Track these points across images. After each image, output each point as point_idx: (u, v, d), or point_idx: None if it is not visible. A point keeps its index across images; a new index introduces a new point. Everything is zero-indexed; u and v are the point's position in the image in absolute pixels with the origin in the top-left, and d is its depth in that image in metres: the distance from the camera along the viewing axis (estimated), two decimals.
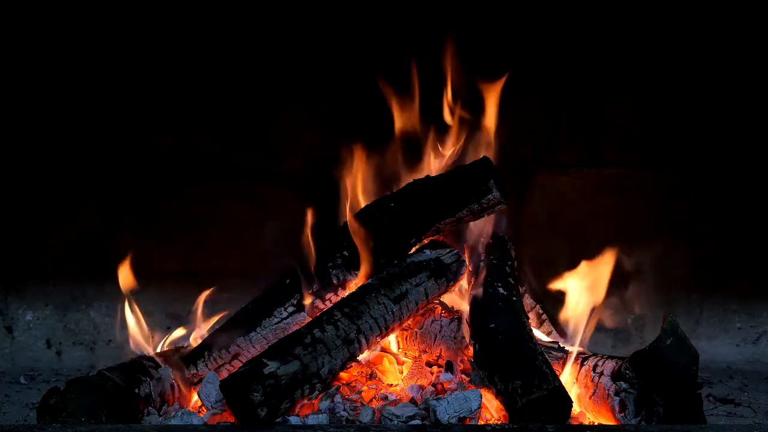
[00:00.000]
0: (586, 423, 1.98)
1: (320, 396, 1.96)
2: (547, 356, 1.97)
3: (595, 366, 2.00)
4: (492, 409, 1.92)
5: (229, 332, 2.22)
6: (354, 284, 2.23)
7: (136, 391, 1.99)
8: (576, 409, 2.01)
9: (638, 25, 2.97)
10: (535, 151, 3.05)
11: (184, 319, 2.98)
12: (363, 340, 2.03)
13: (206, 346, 2.22)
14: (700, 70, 3.01)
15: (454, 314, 2.27)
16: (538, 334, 2.33)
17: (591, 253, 2.28)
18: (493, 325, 2.05)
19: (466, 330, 2.18)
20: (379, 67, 2.70)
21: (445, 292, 2.27)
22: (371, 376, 2.16)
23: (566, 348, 2.18)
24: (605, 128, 3.06)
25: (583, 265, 2.28)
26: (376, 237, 2.22)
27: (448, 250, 2.26)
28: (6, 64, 2.94)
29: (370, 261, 2.20)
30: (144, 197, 3.04)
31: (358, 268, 2.23)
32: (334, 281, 2.21)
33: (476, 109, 2.47)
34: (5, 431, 1.77)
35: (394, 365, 2.22)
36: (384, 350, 2.27)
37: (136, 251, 3.02)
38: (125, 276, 2.30)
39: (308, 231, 2.29)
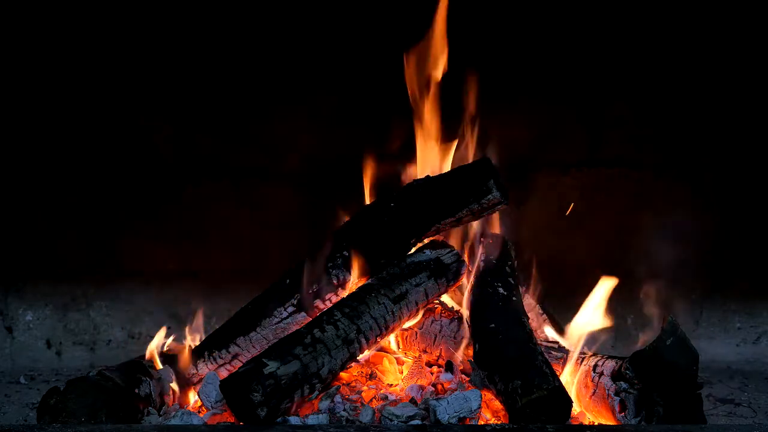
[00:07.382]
0: (586, 423, 1.98)
1: (320, 396, 1.96)
2: (547, 356, 1.97)
3: (595, 366, 2.00)
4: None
5: (229, 332, 2.21)
6: (354, 284, 2.22)
7: (136, 391, 1.99)
8: (576, 409, 2.01)
9: (639, 24, 2.96)
10: (535, 151, 3.05)
11: (185, 319, 2.99)
12: (363, 340, 2.03)
13: (206, 346, 2.22)
14: (702, 70, 3.00)
15: (454, 314, 2.27)
16: (538, 334, 2.33)
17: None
18: (493, 325, 2.05)
19: (466, 330, 2.18)
20: (379, 64, 2.69)
21: (445, 292, 2.27)
22: (371, 376, 2.16)
23: (566, 348, 2.18)
24: (606, 128, 3.06)
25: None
26: (376, 237, 2.22)
27: (448, 250, 2.26)
28: (8, 62, 2.94)
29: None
30: (144, 197, 3.04)
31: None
32: (334, 281, 2.21)
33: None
34: (5, 431, 1.76)
35: (394, 365, 2.22)
36: (384, 350, 2.27)
37: (137, 251, 3.05)
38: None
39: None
